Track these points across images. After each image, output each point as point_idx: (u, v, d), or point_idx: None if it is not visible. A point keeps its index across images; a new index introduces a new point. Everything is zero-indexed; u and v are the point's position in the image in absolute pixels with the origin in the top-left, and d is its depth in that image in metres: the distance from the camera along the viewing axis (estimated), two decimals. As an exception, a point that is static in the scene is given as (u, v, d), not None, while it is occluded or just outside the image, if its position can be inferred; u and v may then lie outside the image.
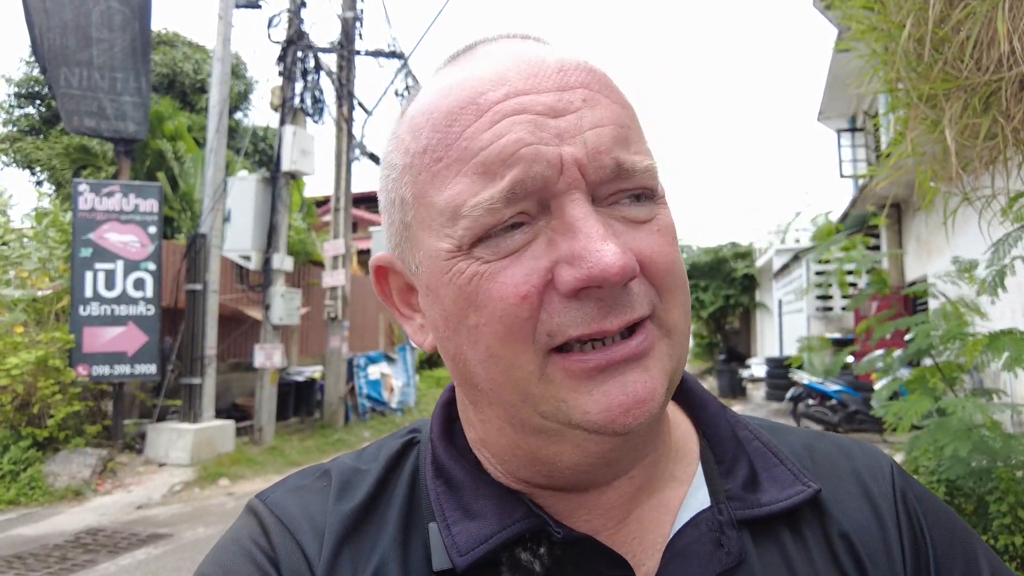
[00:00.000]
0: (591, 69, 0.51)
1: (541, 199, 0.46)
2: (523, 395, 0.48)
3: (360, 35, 11.07)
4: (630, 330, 0.47)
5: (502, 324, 0.46)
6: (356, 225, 17.08)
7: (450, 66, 0.54)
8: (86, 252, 7.78)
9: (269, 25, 9.91)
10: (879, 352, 3.87)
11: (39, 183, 17.10)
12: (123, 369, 7.85)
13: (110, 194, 7.97)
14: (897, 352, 3.36)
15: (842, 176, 11.80)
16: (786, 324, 15.68)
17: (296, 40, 9.86)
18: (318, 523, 0.54)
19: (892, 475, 0.60)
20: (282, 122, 9.84)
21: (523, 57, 0.50)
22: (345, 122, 10.96)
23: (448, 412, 0.61)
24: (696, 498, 0.56)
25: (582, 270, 0.44)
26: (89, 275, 7.77)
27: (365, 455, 0.61)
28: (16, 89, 17.74)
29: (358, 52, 11.06)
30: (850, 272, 3.43)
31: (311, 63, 10.05)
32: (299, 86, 9.95)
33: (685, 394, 0.63)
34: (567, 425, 0.47)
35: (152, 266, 8.10)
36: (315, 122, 10.29)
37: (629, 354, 0.46)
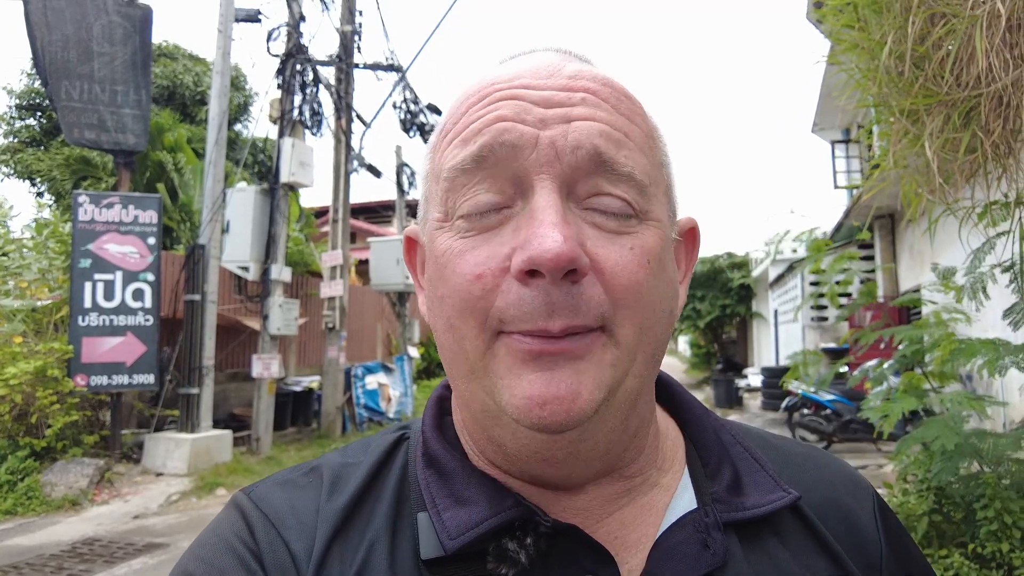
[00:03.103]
0: (610, 83, 0.52)
1: (516, 177, 0.49)
2: (471, 368, 0.50)
3: (358, 48, 11.20)
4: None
5: (459, 297, 0.49)
6: (354, 236, 17.12)
7: (493, 67, 0.58)
8: (85, 263, 7.82)
9: (268, 39, 9.99)
10: (871, 363, 3.91)
11: (39, 194, 17.18)
12: (121, 379, 7.87)
13: (110, 205, 8.02)
14: (888, 362, 3.40)
15: (836, 187, 11.88)
16: (782, 334, 15.72)
17: (295, 53, 9.95)
18: (306, 519, 0.54)
19: (872, 492, 0.64)
20: (281, 134, 9.91)
21: (544, 63, 0.53)
22: (344, 134, 11.04)
23: (440, 406, 0.62)
24: (683, 499, 0.57)
25: (524, 252, 0.46)
26: (88, 286, 7.79)
27: (351, 450, 0.62)
28: (17, 101, 17.84)
29: (356, 65, 11.17)
30: (839, 283, 3.48)
31: (310, 76, 10.13)
32: (298, 99, 10.02)
33: (671, 398, 0.65)
34: (499, 407, 0.49)
35: (151, 277, 8.13)
36: (314, 134, 10.36)
37: (564, 349, 0.47)
